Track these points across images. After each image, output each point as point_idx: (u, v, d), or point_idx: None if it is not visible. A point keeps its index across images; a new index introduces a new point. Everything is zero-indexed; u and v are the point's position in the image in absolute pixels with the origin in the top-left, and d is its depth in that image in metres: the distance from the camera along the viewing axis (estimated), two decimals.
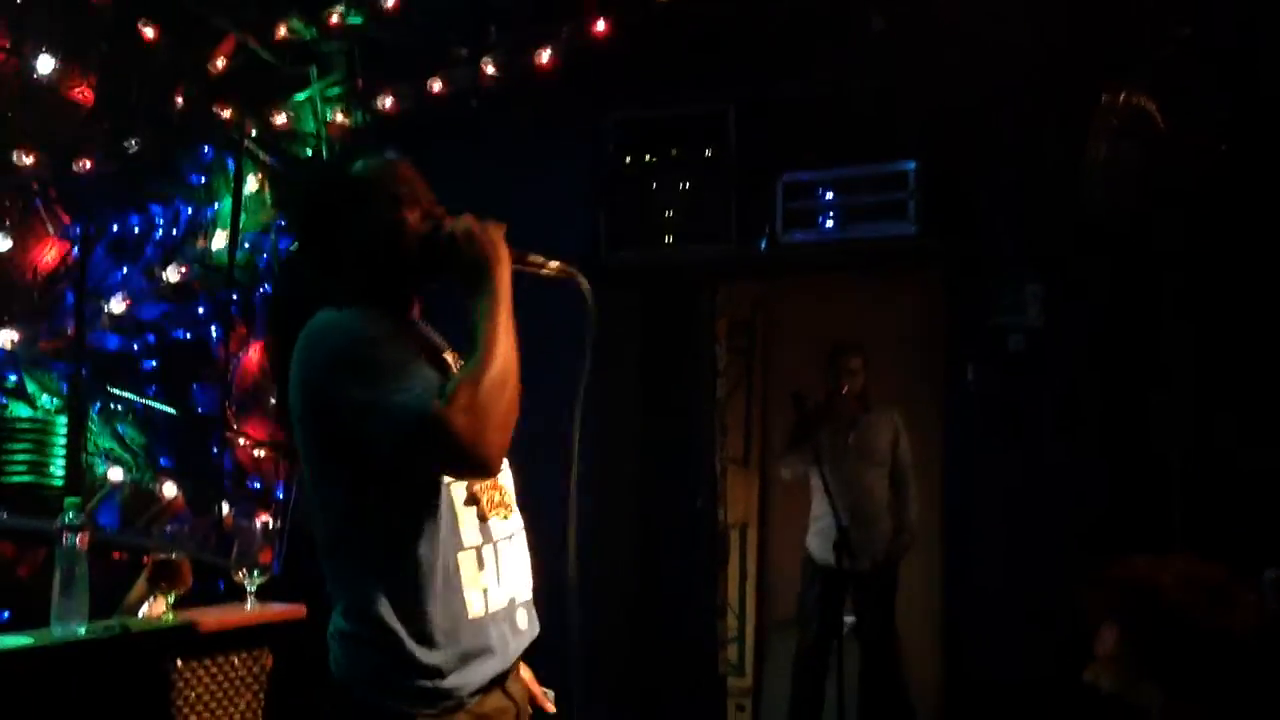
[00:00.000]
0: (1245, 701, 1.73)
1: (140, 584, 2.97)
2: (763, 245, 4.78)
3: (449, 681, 2.04)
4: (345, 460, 2.02)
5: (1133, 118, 4.04)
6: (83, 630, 2.52)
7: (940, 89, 4.44)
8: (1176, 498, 4.04)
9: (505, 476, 2.23)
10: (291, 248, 2.28)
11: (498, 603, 2.12)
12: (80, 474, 4.47)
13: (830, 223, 4.68)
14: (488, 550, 2.12)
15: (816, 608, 5.67)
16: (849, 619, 5.75)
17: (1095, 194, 4.10)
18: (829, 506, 4.97)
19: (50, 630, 2.51)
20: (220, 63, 5.02)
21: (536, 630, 2.25)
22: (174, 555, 2.78)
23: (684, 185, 4.90)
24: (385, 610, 2.02)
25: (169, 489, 4.72)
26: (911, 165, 4.54)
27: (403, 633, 2.01)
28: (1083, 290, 4.34)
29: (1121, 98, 4.03)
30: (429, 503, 2.04)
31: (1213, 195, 4.06)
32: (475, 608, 2.07)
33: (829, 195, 4.69)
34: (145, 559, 2.88)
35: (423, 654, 2.02)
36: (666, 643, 4.98)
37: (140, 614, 2.84)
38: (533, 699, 2.32)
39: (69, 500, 2.57)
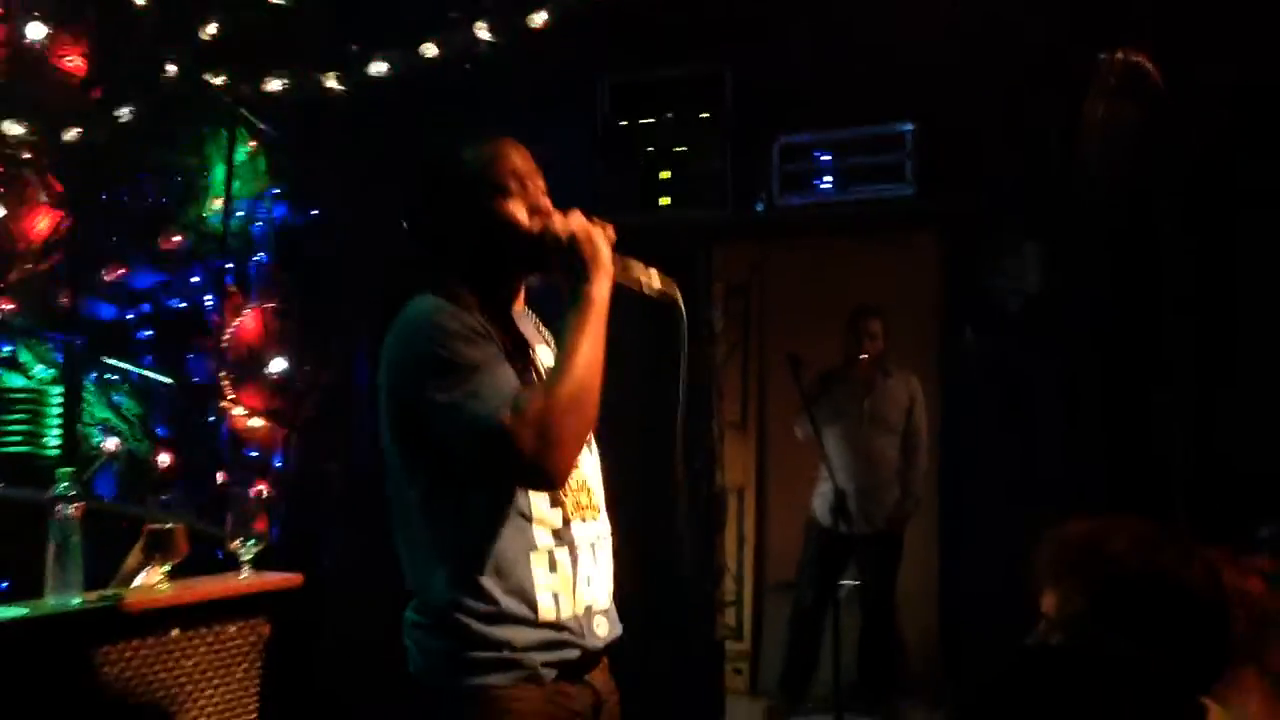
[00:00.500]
0: (1193, 653, 1.72)
1: (135, 553, 2.96)
2: (759, 208, 4.75)
3: (520, 654, 1.99)
4: (421, 455, 2.01)
5: (1131, 77, 4.01)
6: (78, 601, 2.52)
7: (937, 50, 4.39)
8: (1177, 466, 4.03)
9: (594, 478, 2.21)
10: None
11: (569, 609, 2.06)
12: (76, 444, 4.47)
13: (827, 185, 4.66)
14: (562, 553, 2.07)
15: (814, 569, 5.68)
16: (850, 582, 5.77)
17: (1092, 154, 4.07)
18: (840, 470, 4.97)
19: (45, 601, 2.50)
20: (212, 29, 4.97)
21: (618, 633, 2.20)
22: (169, 525, 2.78)
23: (680, 148, 4.87)
24: (453, 602, 1.99)
25: (165, 458, 4.72)
26: (909, 127, 4.52)
27: (471, 620, 1.98)
28: (1082, 253, 4.31)
29: (1120, 57, 4.00)
30: (501, 502, 2.02)
31: (1213, 161, 4.03)
32: (545, 611, 2.03)
33: (826, 158, 4.66)
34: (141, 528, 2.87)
35: (492, 630, 1.99)
36: (664, 606, 4.97)
37: (136, 584, 2.83)
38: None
39: (62, 471, 2.56)
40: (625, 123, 4.92)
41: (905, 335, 6.09)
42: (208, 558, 3.39)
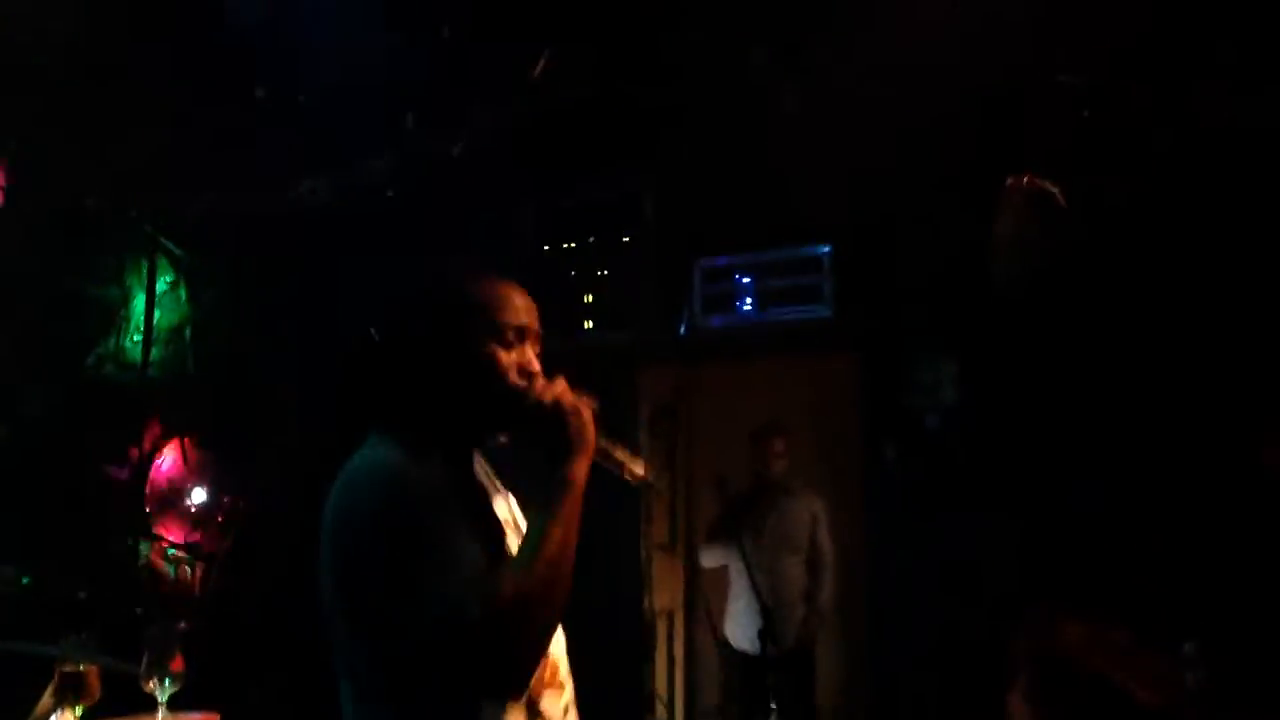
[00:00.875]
0: None
1: (47, 697, 2.87)
2: (682, 329, 4.81)
3: None
4: (367, 630, 1.78)
5: (1037, 200, 4.14)
6: None
7: (853, 173, 4.51)
8: (1095, 568, 4.08)
9: (558, 648, 1.98)
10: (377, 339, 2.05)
11: None
12: None
13: (748, 306, 4.72)
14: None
15: (743, 694, 5.65)
16: (774, 707, 5.73)
17: (1004, 273, 4.18)
18: (750, 592, 4.96)
19: None
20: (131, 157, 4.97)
21: None
22: (82, 666, 2.69)
23: (602, 270, 4.93)
24: None
25: (80, 595, 4.59)
26: (826, 249, 4.61)
27: None
28: (996, 367, 4.40)
29: (1025, 180, 4.14)
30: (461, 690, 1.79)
31: (1114, 271, 4.16)
32: None
33: (746, 279, 4.74)
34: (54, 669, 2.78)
35: None
36: None
37: None
38: None
39: None
40: (547, 247, 4.97)
41: (827, 452, 6.15)
42: (126, 698, 3.29)
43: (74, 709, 2.68)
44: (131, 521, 4.84)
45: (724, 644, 5.71)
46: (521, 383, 1.91)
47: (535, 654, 1.76)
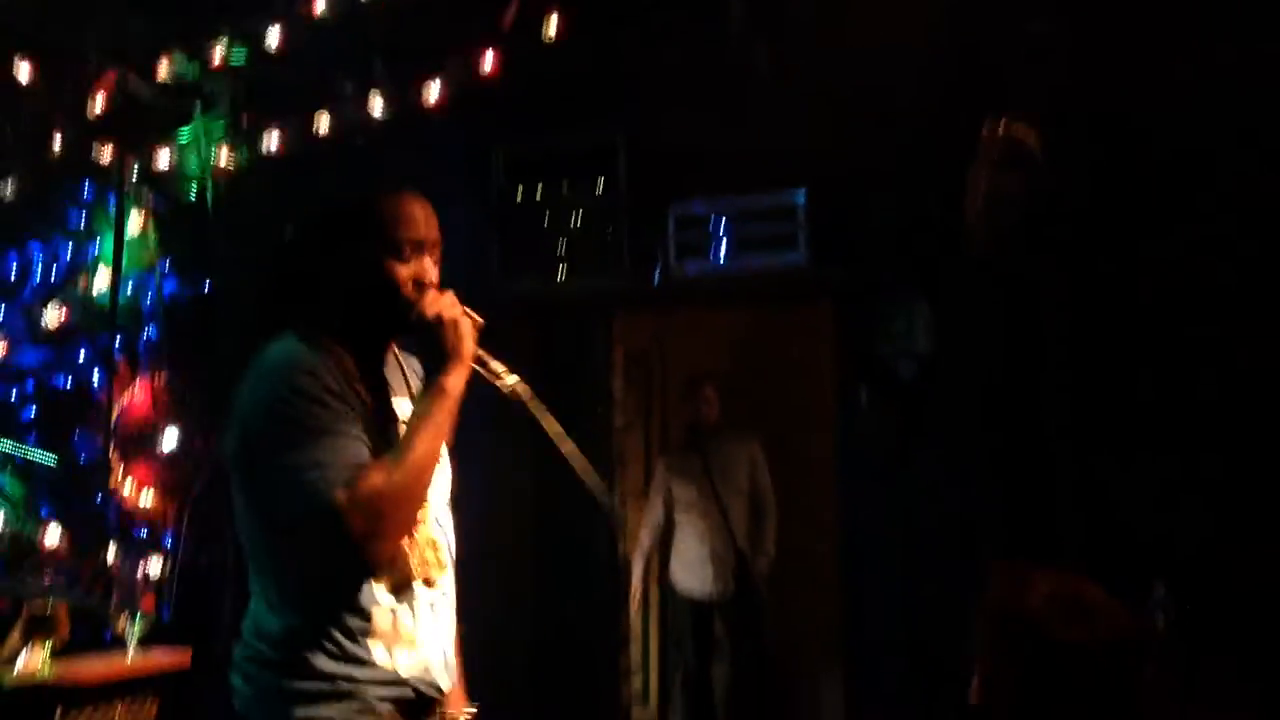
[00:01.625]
0: (1098, 712, 1.75)
1: (14, 636, 2.86)
2: (656, 277, 4.79)
3: (356, 687, 1.98)
4: (259, 503, 2.01)
5: (1012, 147, 4.13)
6: None
7: (828, 119, 4.49)
8: (1063, 514, 4.12)
9: (443, 534, 2.18)
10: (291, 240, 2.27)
11: (407, 664, 2.05)
12: None
13: (722, 253, 4.71)
14: (403, 610, 2.05)
15: (689, 636, 5.74)
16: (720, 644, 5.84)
17: (979, 222, 4.18)
18: (692, 537, 5.02)
19: None
20: (100, 101, 4.91)
21: (451, 685, 2.18)
22: (50, 605, 2.69)
23: (576, 217, 4.91)
24: (291, 641, 1.98)
25: (50, 537, 4.57)
26: (801, 196, 4.60)
27: (309, 655, 1.97)
28: (970, 314, 4.41)
29: (1002, 127, 4.13)
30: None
31: (1091, 221, 4.17)
32: (383, 662, 2.01)
33: (720, 226, 4.72)
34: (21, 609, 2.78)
35: (330, 665, 1.97)
36: (570, 675, 4.93)
37: (17, 666, 2.73)
38: None
39: None
40: (521, 192, 4.94)
41: (802, 400, 6.17)
42: (96, 638, 3.29)
43: (42, 647, 2.68)
44: (101, 462, 4.81)
45: (670, 590, 5.80)
46: (414, 295, 2.08)
47: (389, 543, 1.95)
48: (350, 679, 1.97)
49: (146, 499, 4.92)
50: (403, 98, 4.96)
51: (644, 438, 6.63)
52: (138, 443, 4.94)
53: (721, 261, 4.71)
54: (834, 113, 4.46)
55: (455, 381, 2.05)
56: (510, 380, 2.18)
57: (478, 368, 2.12)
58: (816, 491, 5.79)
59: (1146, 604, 3.77)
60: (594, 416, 5.28)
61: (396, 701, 2.03)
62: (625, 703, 5.42)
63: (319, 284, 2.13)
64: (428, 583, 2.10)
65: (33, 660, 2.69)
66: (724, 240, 4.72)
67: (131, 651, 2.77)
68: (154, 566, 4.52)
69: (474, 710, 2.29)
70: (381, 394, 2.14)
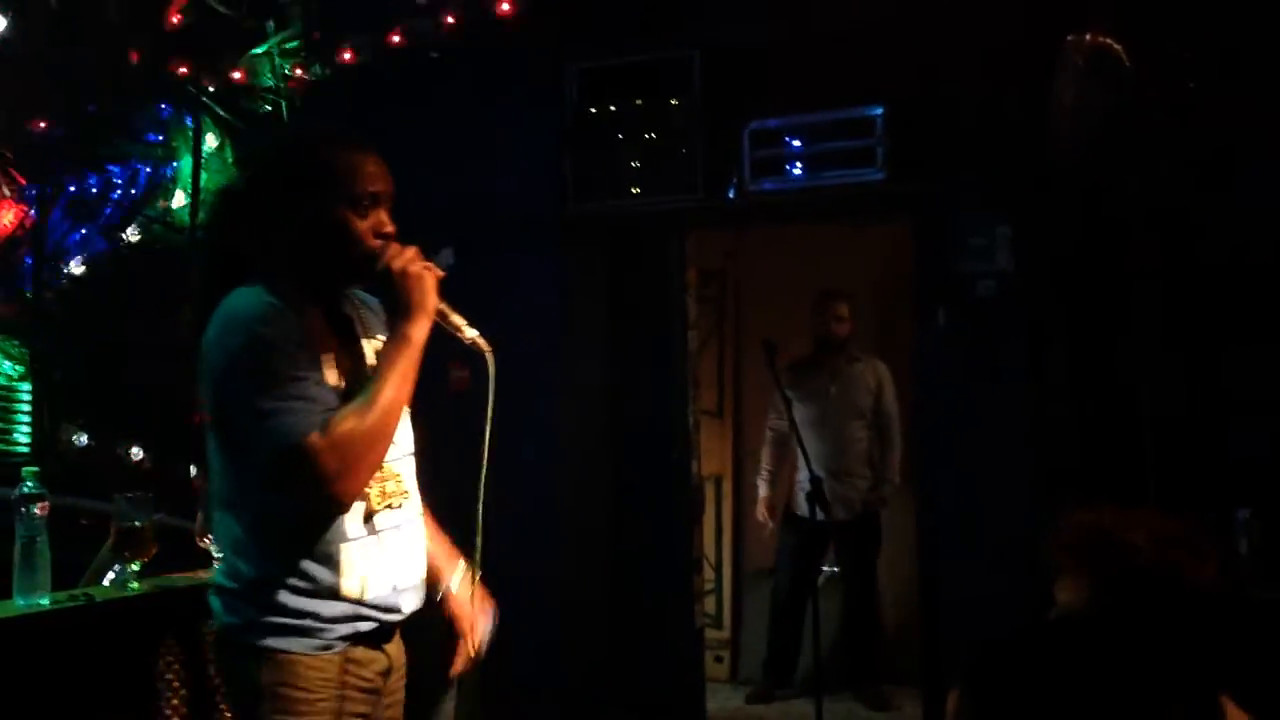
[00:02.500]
0: (1205, 650, 1.72)
1: (105, 552, 2.93)
2: (730, 194, 4.73)
3: (321, 625, 2.12)
4: (231, 450, 2.11)
5: (1099, 59, 4.01)
6: (46, 600, 2.49)
7: (907, 32, 4.39)
8: (1147, 438, 4.04)
9: (403, 464, 2.28)
10: (234, 191, 2.35)
11: (376, 590, 2.17)
12: (46, 441, 4.42)
13: (798, 170, 4.63)
14: (371, 541, 2.17)
15: (791, 558, 5.72)
16: (830, 569, 5.80)
17: (1062, 136, 4.07)
18: (804, 458, 4.97)
19: (13, 601, 2.47)
20: (174, 18, 4.91)
21: (420, 604, 2.31)
22: (138, 522, 2.74)
23: (650, 134, 4.84)
24: (264, 576, 2.11)
25: (135, 454, 4.67)
26: (879, 110, 4.49)
27: (280, 592, 2.10)
28: (1052, 232, 4.31)
29: (1088, 38, 4.00)
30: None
31: (1180, 136, 4.04)
32: (350, 591, 2.13)
33: (796, 143, 4.63)
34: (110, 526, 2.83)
35: (299, 602, 2.10)
36: (643, 597, 4.97)
37: (105, 582, 2.80)
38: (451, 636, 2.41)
39: (26, 470, 2.53)
40: (594, 109, 4.88)
41: (878, 319, 6.11)
42: (180, 554, 3.36)
43: (131, 564, 2.73)
44: (184, 382, 4.89)
45: (785, 509, 5.78)
46: (376, 245, 2.15)
47: (359, 484, 2.05)
48: (316, 615, 2.10)
49: None
50: (475, 11, 4.91)
51: (718, 358, 6.62)
52: None
53: (797, 178, 4.63)
54: (913, 25, 4.35)
55: (419, 332, 2.12)
56: (470, 333, 2.24)
57: (439, 320, 2.18)
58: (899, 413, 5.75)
59: (1231, 529, 3.72)
60: (669, 338, 5.26)
61: (355, 636, 2.16)
62: (698, 624, 5.45)
63: (277, 233, 2.17)
64: (391, 508, 2.21)
65: (122, 576, 2.75)
66: (800, 157, 4.63)
67: (216, 568, 2.82)
68: None
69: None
70: (347, 337, 2.22)
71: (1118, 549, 1.76)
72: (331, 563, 2.11)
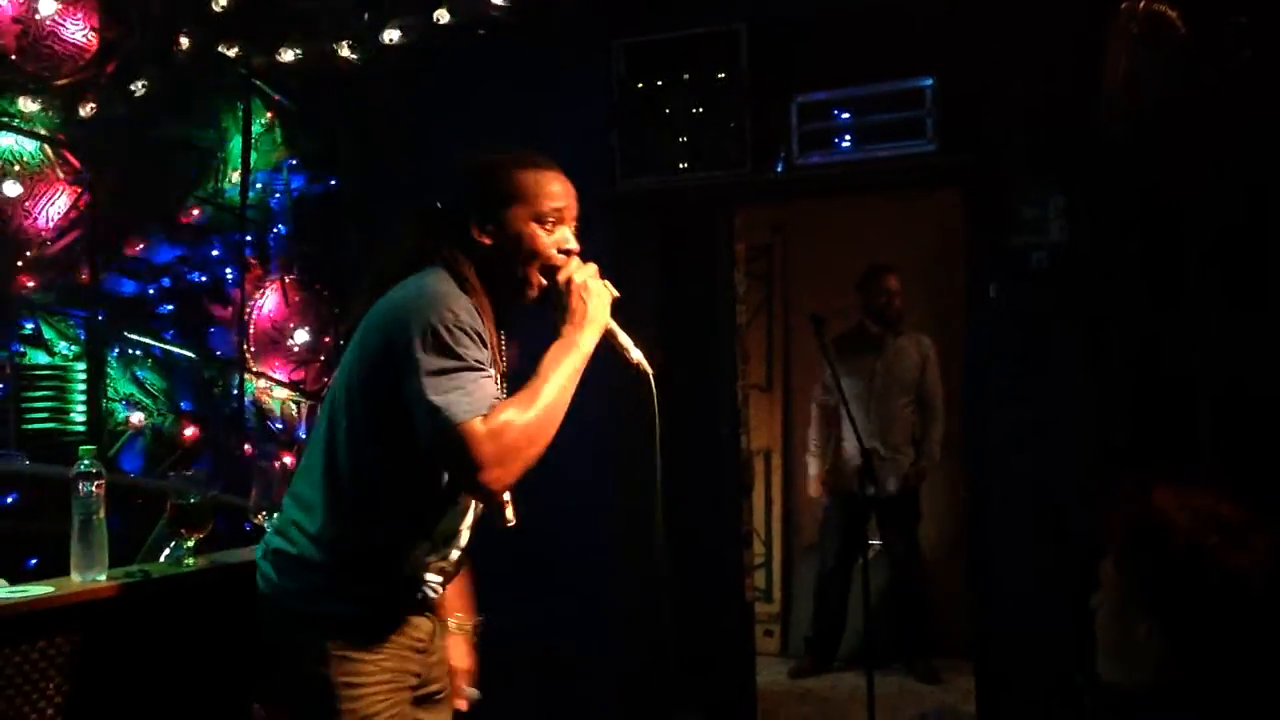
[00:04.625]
0: (1244, 643, 1.69)
1: (161, 529, 2.97)
2: (779, 168, 4.71)
3: (382, 593, 2.28)
4: (386, 414, 2.17)
5: (1153, 25, 3.94)
6: (103, 577, 2.52)
7: (956, 2, 4.33)
8: (1204, 413, 3.99)
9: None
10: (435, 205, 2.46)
11: (438, 569, 2.36)
12: (101, 420, 4.48)
13: (847, 143, 4.60)
14: (462, 509, 2.35)
15: (836, 532, 5.72)
16: (874, 543, 5.78)
17: (1116, 104, 4.01)
18: (853, 432, 4.96)
19: (71, 578, 2.51)
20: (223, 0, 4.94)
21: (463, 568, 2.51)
22: (194, 499, 2.77)
23: (697, 109, 4.81)
24: (341, 540, 2.23)
25: (190, 432, 4.72)
26: (929, 82, 4.44)
27: (350, 558, 2.24)
28: (1106, 204, 4.25)
29: (1141, 5, 3.93)
30: (436, 480, 2.26)
31: (1236, 104, 3.96)
32: (418, 568, 2.32)
33: (845, 115, 4.60)
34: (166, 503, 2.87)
35: (365, 568, 2.25)
36: (693, 571, 4.97)
37: (162, 559, 2.83)
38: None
39: (84, 449, 2.56)
40: (641, 85, 4.86)
41: (929, 292, 6.07)
42: (235, 531, 3.40)
43: (187, 540, 2.77)
44: (236, 361, 4.94)
45: (832, 484, 5.77)
46: (560, 259, 2.29)
47: (509, 478, 2.11)
48: (378, 583, 2.27)
49: (280, 393, 5.05)
50: None
51: (766, 332, 6.60)
52: (270, 339, 5.06)
53: (846, 151, 4.59)
54: None
55: (589, 341, 2.23)
56: (636, 356, 2.34)
57: (607, 337, 2.30)
58: (944, 386, 5.72)
59: None
60: (719, 312, 5.25)
61: (414, 604, 2.36)
62: (749, 598, 5.46)
63: (465, 247, 2.29)
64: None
65: (178, 552, 2.79)
66: (849, 129, 4.60)
67: (269, 532, 2.85)
68: (289, 460, 4.65)
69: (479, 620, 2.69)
70: (498, 353, 2.34)
71: (1153, 529, 1.74)
72: (412, 538, 2.27)
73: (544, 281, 2.30)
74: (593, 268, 2.30)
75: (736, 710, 5.24)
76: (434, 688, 2.48)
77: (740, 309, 5.47)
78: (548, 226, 2.30)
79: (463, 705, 2.63)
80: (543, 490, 2.42)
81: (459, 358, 2.08)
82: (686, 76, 4.81)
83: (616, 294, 2.30)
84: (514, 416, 2.07)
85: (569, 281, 2.26)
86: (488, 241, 2.30)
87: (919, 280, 6.14)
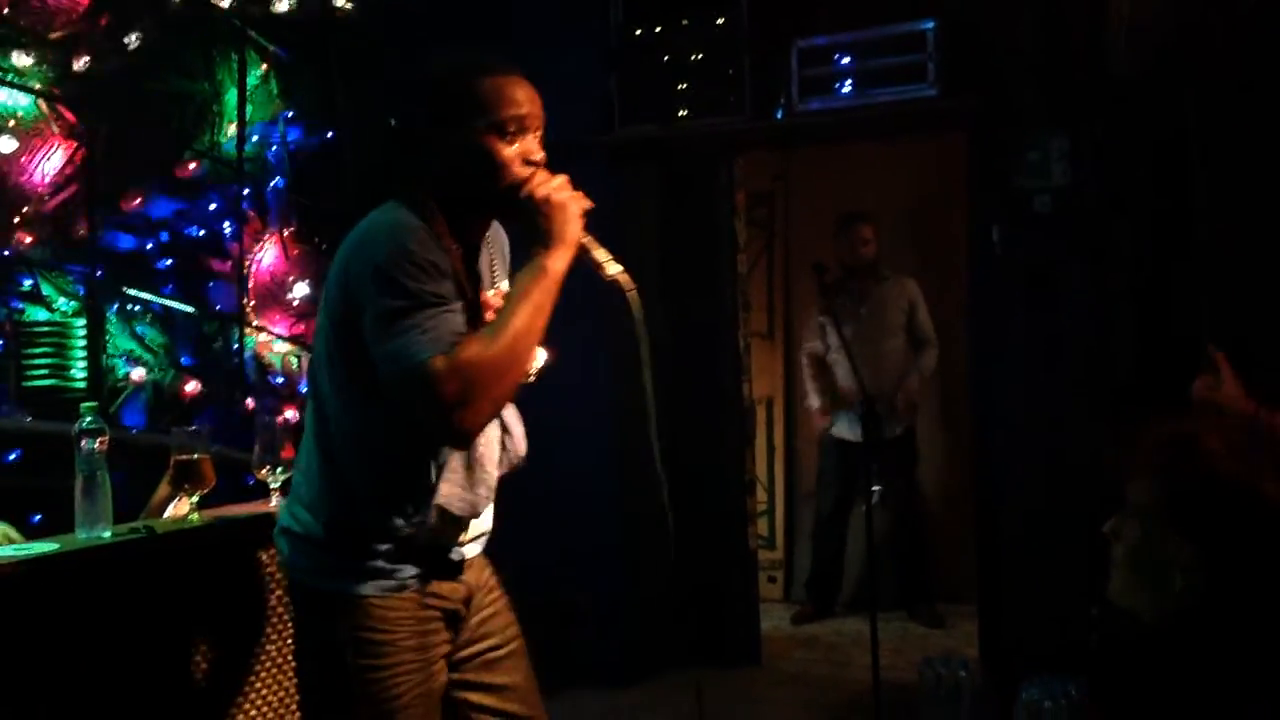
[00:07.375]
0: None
1: (164, 485, 2.96)
2: (779, 115, 4.67)
3: (396, 566, 2.14)
4: (355, 361, 2.05)
5: None
6: (108, 534, 2.52)
7: None
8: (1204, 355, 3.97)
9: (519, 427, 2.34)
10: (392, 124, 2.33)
11: (463, 508, 2.19)
12: (101, 376, 4.47)
13: (848, 88, 4.55)
14: (465, 458, 2.17)
15: (832, 478, 5.75)
16: (876, 488, 5.80)
17: (1120, 48, 3.98)
18: (851, 379, 4.95)
19: (75, 535, 2.51)
20: None
21: (490, 527, 2.34)
22: (196, 454, 2.76)
23: (696, 55, 4.77)
24: (347, 516, 2.14)
25: (191, 387, 4.71)
26: (930, 24, 4.40)
27: (359, 534, 2.13)
28: (1108, 146, 4.22)
29: None
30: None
31: (1238, 47, 3.92)
32: (434, 532, 2.17)
33: (845, 60, 4.55)
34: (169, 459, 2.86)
35: (376, 545, 2.13)
36: (697, 519, 4.98)
37: (166, 515, 2.83)
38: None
39: (85, 405, 2.55)
40: (639, 31, 4.81)
41: (933, 238, 6.04)
42: (237, 486, 3.39)
43: (190, 496, 2.76)
44: (236, 315, 4.92)
45: (826, 431, 5.77)
46: (524, 173, 2.08)
47: (480, 415, 1.97)
48: (387, 556, 2.13)
49: (281, 347, 5.04)
50: None
51: (767, 280, 6.57)
52: (270, 293, 5.04)
53: (847, 96, 4.55)
54: None
55: (558, 263, 2.04)
56: (613, 269, 2.15)
57: (581, 253, 2.11)
58: (948, 330, 5.70)
59: None
60: (720, 260, 5.22)
61: (434, 570, 2.20)
62: (752, 546, 5.47)
63: (426, 158, 2.14)
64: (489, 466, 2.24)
65: (181, 509, 2.78)
66: (849, 75, 4.55)
67: (274, 499, 2.85)
68: (291, 415, 4.65)
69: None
70: (473, 277, 2.19)
71: (1198, 453, 1.73)
72: (426, 484, 2.11)
73: (509, 198, 2.09)
74: (561, 179, 2.09)
75: (741, 656, 5.27)
76: (486, 644, 2.32)
77: (741, 257, 5.45)
78: (509, 137, 2.07)
79: None
80: (541, 435, 2.38)
81: (410, 294, 1.93)
82: (685, 22, 4.76)
83: (589, 204, 2.10)
84: (478, 351, 1.91)
85: (531, 196, 2.06)
86: (446, 159, 2.11)
87: (919, 224, 6.12)
